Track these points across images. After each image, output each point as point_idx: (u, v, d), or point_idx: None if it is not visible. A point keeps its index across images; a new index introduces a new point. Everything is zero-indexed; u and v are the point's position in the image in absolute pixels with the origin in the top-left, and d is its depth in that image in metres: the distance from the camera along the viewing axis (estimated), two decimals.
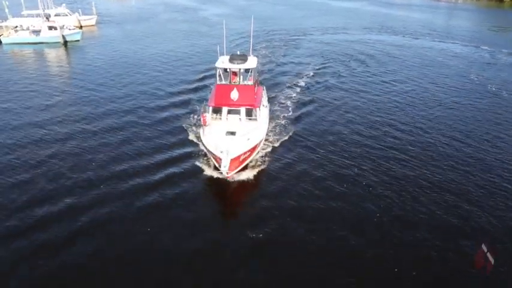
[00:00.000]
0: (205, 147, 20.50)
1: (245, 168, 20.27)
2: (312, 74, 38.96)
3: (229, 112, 22.65)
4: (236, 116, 22.59)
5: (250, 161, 20.79)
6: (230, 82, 23.26)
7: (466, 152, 23.87)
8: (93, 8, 66.91)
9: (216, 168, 19.84)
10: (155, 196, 18.36)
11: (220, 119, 22.58)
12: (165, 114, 28.06)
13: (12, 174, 19.84)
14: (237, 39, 51.54)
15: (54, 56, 45.74)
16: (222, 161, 17.92)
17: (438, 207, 18.29)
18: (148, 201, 17.98)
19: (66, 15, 59.80)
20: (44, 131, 24.95)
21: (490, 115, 30.04)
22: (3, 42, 49.40)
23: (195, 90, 33.32)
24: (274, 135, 24.65)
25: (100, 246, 15.33)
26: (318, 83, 36.34)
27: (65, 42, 50.00)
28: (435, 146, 24.41)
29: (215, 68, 23.74)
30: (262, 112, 23.52)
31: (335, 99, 32.03)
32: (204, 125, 21.10)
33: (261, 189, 19.49)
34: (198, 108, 28.54)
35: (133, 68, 39.39)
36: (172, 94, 32.18)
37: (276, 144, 23.52)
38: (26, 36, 50.46)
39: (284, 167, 21.28)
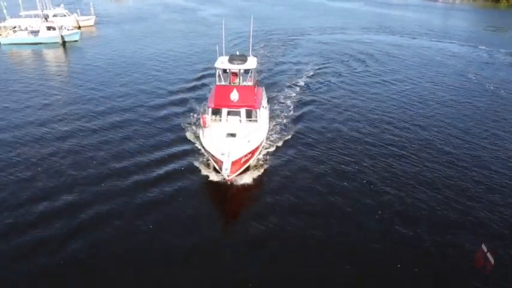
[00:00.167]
0: (206, 150, 20.15)
1: (246, 170, 19.97)
2: (311, 73, 39.05)
3: (229, 113, 22.32)
4: (236, 118, 22.27)
5: (251, 163, 20.52)
6: (230, 83, 22.85)
7: (465, 149, 23.97)
8: (91, 9, 66.90)
9: (216, 171, 19.53)
10: (155, 193, 18.34)
11: (220, 120, 22.26)
12: (164, 112, 28.09)
13: (13, 172, 19.85)
14: (235, 39, 51.61)
15: (52, 56, 45.72)
16: (223, 163, 17.59)
17: (438, 203, 18.33)
18: (148, 199, 17.96)
19: (65, 15, 59.78)
20: (45, 129, 24.98)
21: (489, 113, 30.16)
22: (1, 42, 49.35)
23: (194, 89, 33.39)
24: (275, 134, 24.58)
25: (99, 243, 15.32)
26: (317, 82, 36.41)
27: (64, 43, 49.99)
28: (434, 143, 24.50)
29: (214, 69, 23.38)
30: (263, 113, 23.18)
31: (334, 98, 32.11)
32: (204, 126, 20.84)
33: (261, 190, 19.36)
34: (196, 106, 28.70)
35: (132, 68, 39.43)
36: (171, 93, 32.22)
37: (279, 144, 23.29)
38: (24, 37, 50.44)
39: (285, 165, 21.20)
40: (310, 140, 24.30)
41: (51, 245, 15.02)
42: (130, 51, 46.74)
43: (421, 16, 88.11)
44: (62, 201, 17.62)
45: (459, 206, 18.14)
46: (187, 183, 19.37)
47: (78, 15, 62.10)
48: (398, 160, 22.25)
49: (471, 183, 20.16)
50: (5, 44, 49.28)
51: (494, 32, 71.88)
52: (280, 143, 23.45)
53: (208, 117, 21.69)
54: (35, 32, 50.68)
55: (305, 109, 29.40)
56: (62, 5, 62.96)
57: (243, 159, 18.97)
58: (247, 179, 19.51)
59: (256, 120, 22.19)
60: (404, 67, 43.13)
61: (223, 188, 18.83)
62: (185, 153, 22.11)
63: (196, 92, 32.38)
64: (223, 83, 23.00)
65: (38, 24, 51.37)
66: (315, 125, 26.56)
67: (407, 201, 18.43)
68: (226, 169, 17.51)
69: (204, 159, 21.13)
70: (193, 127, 25.15)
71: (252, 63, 23.38)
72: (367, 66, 42.95)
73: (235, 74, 23.03)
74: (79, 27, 58.16)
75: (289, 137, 24.35)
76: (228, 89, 22.19)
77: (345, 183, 19.76)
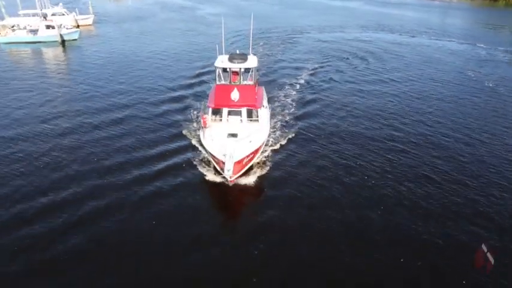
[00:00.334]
0: (207, 150, 19.74)
1: (248, 171, 19.60)
2: (311, 71, 39.14)
3: (229, 113, 21.80)
4: (237, 118, 21.77)
5: (253, 164, 20.27)
6: (230, 82, 22.28)
7: (464, 144, 24.10)
8: (90, 8, 66.84)
9: (217, 172, 19.07)
10: (154, 189, 18.41)
11: (221, 120, 21.76)
12: (163, 108, 28.22)
13: (15, 167, 19.96)
14: (234, 37, 51.72)
15: (52, 54, 45.63)
16: (226, 164, 17.18)
17: (437, 201, 18.35)
18: (147, 194, 18.02)
19: (63, 14, 59.67)
20: (46, 125, 25.05)
21: (488, 109, 30.33)
22: (0, 41, 49.21)
23: (193, 85, 33.57)
24: (276, 132, 24.52)
25: (99, 236, 15.44)
26: (317, 80, 36.50)
27: (63, 42, 49.92)
28: (434, 139, 24.59)
29: (214, 68, 22.85)
30: (264, 113, 22.61)
31: (335, 95, 32.18)
32: (204, 126, 20.48)
33: (262, 189, 19.19)
34: (195, 103, 28.80)
35: (131, 65, 39.46)
36: (170, 90, 32.32)
37: (281, 142, 23.17)
38: (23, 36, 50.31)
39: (287, 164, 21.12)
40: (311, 136, 24.34)
41: (52, 238, 15.13)
42: (129, 49, 46.74)
43: (419, 15, 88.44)
44: (63, 195, 17.72)
45: (459, 206, 18.03)
46: (187, 178, 19.34)
47: (76, 14, 62.03)
48: (398, 155, 22.35)
49: (471, 181, 20.13)
50: (4, 43, 49.16)
51: (492, 30, 72.23)
52: (282, 142, 23.29)
53: (209, 117, 21.28)
54: (34, 31, 50.58)
55: (305, 107, 29.43)
56: (60, 4, 62.80)
57: (245, 160, 18.59)
58: (248, 179, 19.20)
59: (257, 120, 21.75)
60: (403, 64, 43.30)
61: (224, 188, 18.56)
62: (185, 149, 22.14)
63: (195, 89, 32.52)
64: (223, 82, 22.47)
65: (37, 23, 51.25)
66: (316, 123, 26.59)
67: (406, 198, 18.45)
68: (228, 170, 17.12)
69: (204, 157, 21.02)
70: (195, 124, 25.19)
71: (252, 62, 22.90)
72: (366, 63, 43.08)
73: (235, 73, 22.44)
74: (78, 26, 58.05)
75: (290, 135, 24.26)
76: (228, 89, 21.69)
77: (347, 179, 19.79)
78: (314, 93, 32.65)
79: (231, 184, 18.07)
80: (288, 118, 26.85)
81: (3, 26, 51.79)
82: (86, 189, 18.15)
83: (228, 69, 22.44)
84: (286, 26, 64.76)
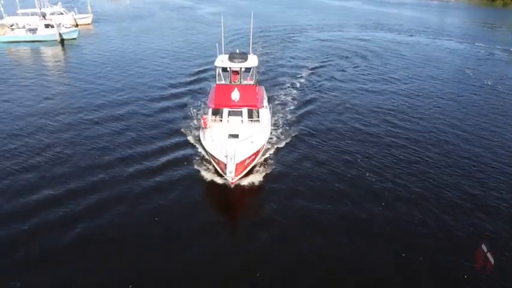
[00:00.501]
0: (207, 152, 19.33)
1: (249, 172, 19.13)
2: (310, 69, 39.21)
3: (230, 114, 21.33)
4: (238, 118, 21.32)
5: (254, 165, 19.88)
6: (231, 82, 21.82)
7: (464, 142, 24.21)
8: (88, 7, 66.73)
9: (218, 174, 18.65)
10: (155, 184, 18.52)
11: (221, 121, 21.30)
12: (163, 105, 28.39)
13: (17, 162, 20.11)
14: (232, 36, 51.73)
15: (51, 53, 45.55)
16: (228, 166, 16.70)
17: (437, 200, 18.38)
18: (148, 188, 18.14)
19: (62, 13, 59.59)
20: (47, 121, 25.18)
21: (488, 107, 30.49)
22: None
23: (192, 83, 33.72)
24: (277, 131, 24.41)
25: (100, 229, 15.55)
26: (316, 78, 36.57)
27: (62, 40, 49.82)
28: (433, 135, 24.71)
29: (214, 67, 22.47)
30: (264, 113, 22.27)
31: (335, 93, 32.27)
32: (204, 127, 20.18)
33: (262, 186, 19.07)
34: (194, 101, 28.91)
35: (131, 63, 39.51)
36: (170, 87, 32.44)
37: (282, 142, 22.98)
38: (22, 35, 50.21)
39: (287, 160, 21.22)
40: (313, 133, 24.39)
41: (53, 231, 15.23)
42: (128, 48, 46.73)
43: (417, 14, 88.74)
44: (64, 188, 17.87)
45: (458, 201, 18.13)
46: (187, 174, 19.42)
47: (75, 14, 61.94)
48: (398, 151, 22.47)
49: (470, 177, 20.25)
50: (2, 42, 49.02)
51: (490, 29, 72.57)
52: (282, 140, 23.19)
53: (209, 117, 20.98)
54: (33, 30, 50.49)
55: (306, 105, 29.43)
56: (59, 3, 62.68)
57: (247, 162, 18.21)
58: (249, 180, 18.93)
59: (258, 121, 21.40)
60: (403, 63, 43.45)
61: (224, 184, 18.47)
62: (184, 146, 22.22)
63: (195, 86, 32.70)
64: (223, 82, 22.04)
65: (36, 22, 51.16)
66: (316, 121, 26.63)
67: (407, 193, 18.55)
68: (230, 172, 16.69)
69: (203, 155, 21.00)
70: (195, 121, 25.24)
71: (253, 61, 22.49)
72: (366, 62, 43.20)
73: (236, 73, 21.96)
74: (76, 26, 57.96)
75: (291, 133, 24.25)
76: (228, 88, 21.26)
77: (348, 175, 19.85)
78: (314, 91, 32.71)
79: (232, 186, 17.65)
80: (288, 117, 26.87)
81: (2, 25, 51.58)
82: (87, 184, 18.28)
83: (228, 69, 22.01)
84: (285, 25, 64.87)
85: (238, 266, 14.11)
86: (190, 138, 22.93)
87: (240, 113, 21.36)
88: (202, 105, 25.00)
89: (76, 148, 21.65)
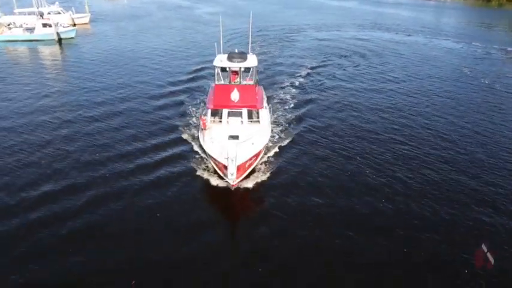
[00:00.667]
0: (207, 153, 19.02)
1: (250, 174, 18.82)
2: (309, 68, 39.23)
3: (229, 114, 20.88)
4: (237, 119, 20.88)
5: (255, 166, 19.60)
6: (230, 82, 21.39)
7: (463, 140, 24.33)
8: (86, 7, 66.50)
9: (218, 176, 18.32)
10: (155, 179, 18.59)
11: (220, 121, 20.85)
12: (160, 102, 28.48)
13: (18, 158, 20.18)
14: (231, 35, 51.73)
15: (49, 52, 45.43)
16: (228, 168, 16.25)
17: (436, 199, 18.45)
18: (148, 183, 18.21)
19: (60, 13, 59.36)
20: (46, 119, 25.25)
21: (485, 105, 30.64)
22: None
23: (190, 81, 33.78)
24: (277, 131, 24.15)
25: (100, 223, 15.63)
26: (315, 77, 36.63)
27: (60, 40, 49.62)
28: (432, 133, 24.80)
29: (213, 67, 22.16)
30: (264, 113, 21.83)
31: (334, 92, 32.33)
32: (204, 128, 19.88)
33: (263, 186, 18.89)
34: (192, 99, 28.90)
35: (128, 62, 39.51)
36: (168, 85, 32.49)
37: (283, 142, 22.75)
38: (20, 34, 50.01)
39: (288, 159, 21.10)
40: (313, 130, 24.47)
41: (53, 225, 15.29)
42: (126, 47, 46.65)
43: (414, 14, 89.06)
44: (64, 184, 17.97)
45: (457, 200, 18.11)
46: (187, 170, 19.46)
47: (73, 13, 61.78)
48: (397, 147, 22.57)
49: (469, 173, 20.36)
50: (0, 41, 48.83)
51: (486, 29, 72.93)
52: (282, 138, 23.09)
53: (208, 118, 20.64)
54: (31, 29, 50.29)
55: (305, 104, 29.40)
56: (56, 3, 62.48)
57: (248, 163, 17.86)
58: (250, 180, 18.69)
59: (258, 121, 21.00)
60: (400, 62, 43.57)
61: (223, 184, 18.32)
62: (183, 142, 22.26)
63: (193, 84, 32.77)
64: (222, 82, 21.66)
65: (34, 21, 50.99)
66: (315, 119, 26.71)
67: (407, 189, 18.63)
68: (232, 174, 16.24)
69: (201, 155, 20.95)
70: (194, 119, 25.26)
71: (252, 61, 22.12)
72: (364, 61, 43.29)
73: (235, 73, 21.57)
74: (74, 25, 57.79)
75: (291, 132, 24.17)
76: (228, 89, 20.78)
77: (348, 172, 19.94)
78: (313, 89, 32.77)
79: (233, 188, 17.16)
80: (288, 114, 26.87)
81: (0, 24, 51.46)
82: (87, 179, 18.36)
83: (227, 69, 21.64)
84: (283, 25, 64.86)
85: (239, 261, 14.11)
86: (188, 136, 22.94)
87: (239, 114, 20.91)
88: (202, 104, 24.92)
89: (76, 144, 21.73)
